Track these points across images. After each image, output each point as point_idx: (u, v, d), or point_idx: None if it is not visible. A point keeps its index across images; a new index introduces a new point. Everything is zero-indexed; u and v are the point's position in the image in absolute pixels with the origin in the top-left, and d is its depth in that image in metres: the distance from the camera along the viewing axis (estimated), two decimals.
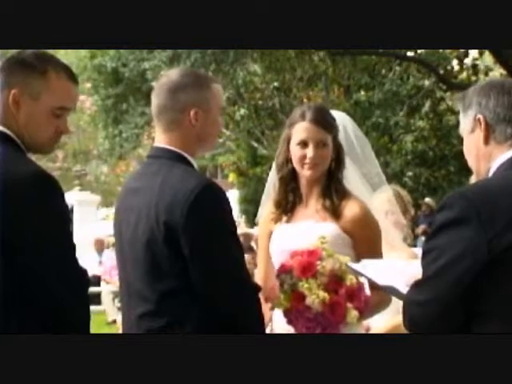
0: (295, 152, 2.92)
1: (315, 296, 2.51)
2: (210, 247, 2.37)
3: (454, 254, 1.93)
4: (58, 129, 2.31)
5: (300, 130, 2.91)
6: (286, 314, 2.60)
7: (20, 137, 2.25)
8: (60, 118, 2.30)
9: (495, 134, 2.08)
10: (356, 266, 2.52)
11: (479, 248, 1.90)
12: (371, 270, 2.43)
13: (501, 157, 2.06)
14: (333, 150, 2.93)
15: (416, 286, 2.04)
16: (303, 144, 2.90)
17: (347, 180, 3.04)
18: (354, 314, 2.55)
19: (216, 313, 2.38)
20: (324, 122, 2.92)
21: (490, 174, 2.08)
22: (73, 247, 2.19)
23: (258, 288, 2.49)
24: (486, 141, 2.09)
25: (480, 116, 2.10)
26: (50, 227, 2.12)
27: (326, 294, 2.52)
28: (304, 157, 2.90)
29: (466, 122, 2.15)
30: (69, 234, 2.20)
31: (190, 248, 2.34)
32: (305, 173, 2.93)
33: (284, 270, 2.60)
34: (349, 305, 2.56)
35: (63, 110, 2.30)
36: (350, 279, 2.57)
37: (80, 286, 2.18)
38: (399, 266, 2.36)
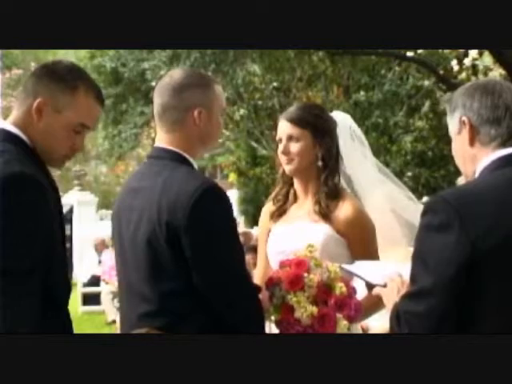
0: (278, 149, 3.02)
1: (304, 310, 2.48)
2: (212, 248, 2.36)
3: (441, 262, 1.93)
4: (74, 145, 2.30)
5: (278, 127, 3.02)
6: (277, 324, 2.59)
7: (34, 145, 2.23)
8: (78, 134, 2.29)
9: (480, 135, 2.08)
10: (349, 267, 2.53)
11: (463, 253, 1.90)
12: (364, 270, 2.44)
13: (486, 158, 2.06)
14: (318, 149, 2.95)
15: (410, 296, 2.02)
16: (280, 140, 3.01)
17: (362, 171, 3.08)
18: (344, 323, 2.52)
19: (217, 313, 2.38)
20: (296, 117, 2.97)
21: (476, 175, 2.09)
22: (40, 242, 2.09)
23: (258, 289, 2.49)
24: (472, 142, 2.09)
25: (465, 118, 2.10)
26: (14, 226, 2.06)
27: (314, 308, 2.49)
28: (280, 152, 2.99)
29: (452, 124, 2.16)
30: (35, 231, 2.10)
31: (191, 249, 2.34)
32: (285, 168, 3.01)
33: (272, 283, 2.58)
34: (338, 315, 2.53)
35: (83, 127, 2.30)
36: (340, 288, 2.54)
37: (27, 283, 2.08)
38: (392, 267, 2.36)
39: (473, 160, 2.10)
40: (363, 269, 2.46)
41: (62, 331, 2.20)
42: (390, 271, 2.28)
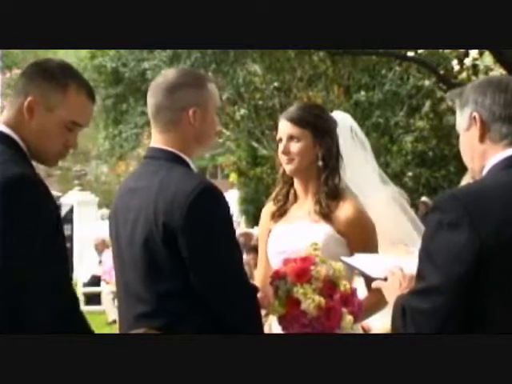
0: (278, 149, 3.02)
1: (311, 300, 2.49)
2: (209, 249, 2.36)
3: (449, 259, 1.92)
4: (67, 143, 2.29)
5: (278, 127, 3.03)
6: (281, 320, 2.60)
7: (27, 144, 2.23)
8: (71, 131, 2.29)
9: (490, 132, 2.07)
10: (349, 260, 2.54)
11: (471, 251, 1.90)
12: (364, 263, 2.44)
13: (495, 156, 2.05)
14: (318, 148, 2.95)
15: (417, 293, 2.01)
16: (280, 140, 3.01)
17: (362, 172, 3.09)
18: (348, 318, 2.54)
19: (214, 314, 2.38)
20: (296, 117, 2.98)
21: (484, 173, 2.08)
22: (40, 243, 2.08)
23: (256, 289, 2.49)
24: (482, 139, 2.08)
25: (476, 114, 2.08)
26: (14, 231, 2.05)
27: (321, 299, 2.50)
28: (281, 152, 2.99)
29: (462, 119, 2.14)
30: (34, 231, 2.09)
31: (188, 249, 2.34)
32: (285, 168, 3.01)
33: (278, 277, 2.59)
34: (344, 309, 2.54)
35: (75, 124, 2.29)
36: (344, 285, 2.56)
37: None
38: (392, 260, 2.36)
39: (482, 156, 2.09)
40: (363, 262, 2.46)
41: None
42: (390, 265, 2.27)
